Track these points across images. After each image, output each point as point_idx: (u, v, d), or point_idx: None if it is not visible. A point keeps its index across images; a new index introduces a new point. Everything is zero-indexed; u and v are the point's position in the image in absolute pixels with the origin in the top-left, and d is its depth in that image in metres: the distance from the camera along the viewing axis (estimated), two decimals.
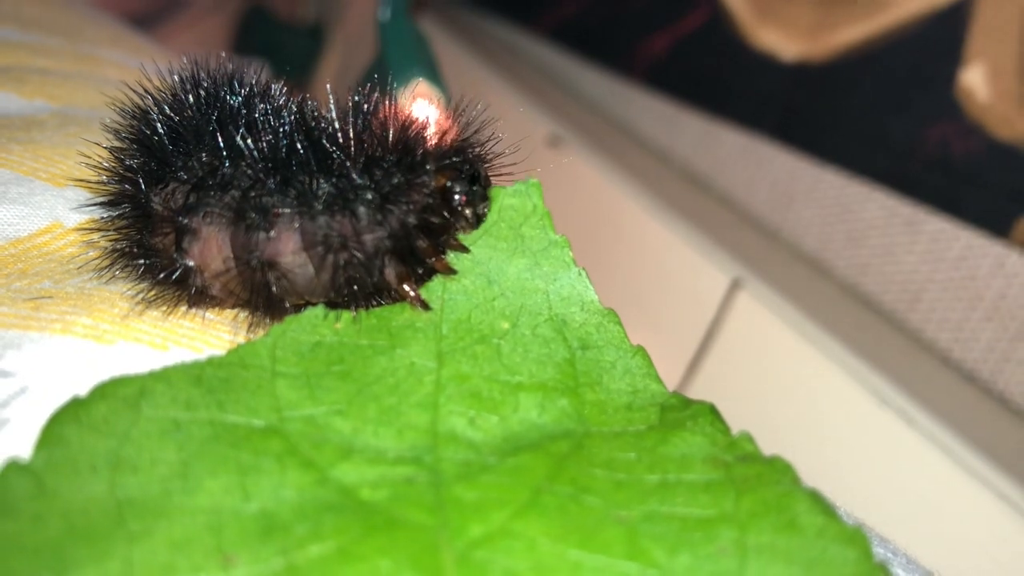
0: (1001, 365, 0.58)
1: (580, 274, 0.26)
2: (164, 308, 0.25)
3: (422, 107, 0.27)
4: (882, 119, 0.67)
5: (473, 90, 0.27)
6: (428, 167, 0.24)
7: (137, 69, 0.42)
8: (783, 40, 0.74)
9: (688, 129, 0.84)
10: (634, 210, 0.74)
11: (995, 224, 0.59)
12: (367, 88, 0.25)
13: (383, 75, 0.28)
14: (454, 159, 0.25)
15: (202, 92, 0.26)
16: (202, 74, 0.27)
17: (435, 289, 0.25)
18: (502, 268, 0.25)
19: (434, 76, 0.60)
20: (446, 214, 0.25)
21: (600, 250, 0.77)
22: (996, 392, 0.58)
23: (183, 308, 0.25)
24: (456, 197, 0.25)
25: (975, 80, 0.61)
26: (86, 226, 0.28)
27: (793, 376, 0.59)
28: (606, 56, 0.95)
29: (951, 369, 0.61)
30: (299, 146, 0.24)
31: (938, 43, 0.63)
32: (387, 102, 0.25)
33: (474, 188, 0.25)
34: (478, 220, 0.26)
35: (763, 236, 0.74)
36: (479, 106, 0.27)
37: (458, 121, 0.26)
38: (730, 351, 0.63)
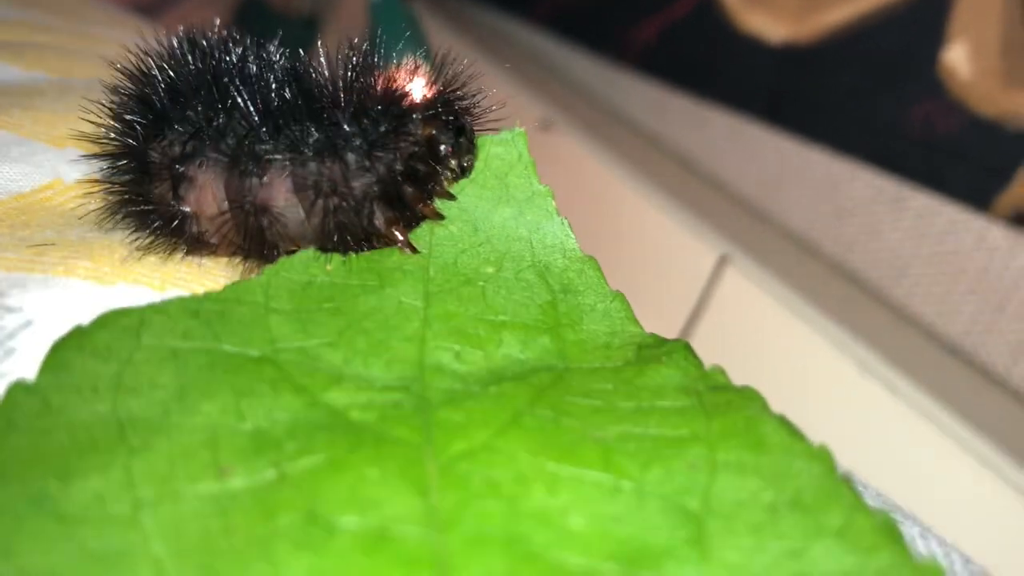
0: (984, 336, 0.59)
1: (562, 223, 0.27)
2: (162, 254, 0.26)
3: (410, 64, 0.28)
4: (868, 99, 0.68)
5: (465, 68, 0.28)
6: (415, 116, 0.25)
7: (135, 45, 0.43)
8: (770, 23, 0.75)
9: (678, 112, 0.85)
10: (624, 191, 0.75)
11: (977, 199, 0.60)
12: (358, 44, 0.26)
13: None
14: (439, 110, 0.26)
15: (198, 50, 0.27)
16: (197, 35, 0.28)
17: (423, 235, 0.26)
18: (488, 216, 0.26)
19: (425, 57, 0.61)
20: (432, 163, 0.26)
21: (592, 230, 0.78)
22: (979, 363, 0.59)
23: (180, 255, 0.26)
24: (442, 148, 0.26)
25: (958, 58, 0.62)
26: (86, 181, 0.29)
27: (780, 349, 0.60)
28: (597, 42, 0.96)
29: (935, 341, 0.62)
30: (290, 96, 0.25)
31: (921, 23, 0.64)
32: (376, 57, 0.26)
33: (460, 140, 0.26)
34: (463, 171, 0.27)
35: (751, 214, 0.75)
36: (464, 61, 0.28)
37: (444, 74, 0.27)
38: (718, 325, 0.64)
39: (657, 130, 0.88)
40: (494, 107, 0.28)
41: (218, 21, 0.30)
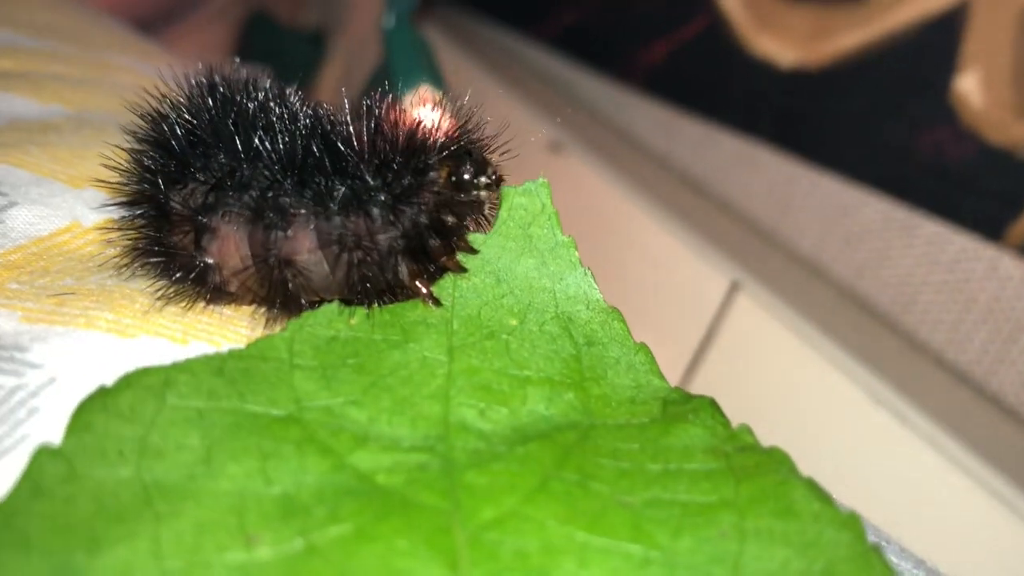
0: (995, 366, 0.59)
1: (586, 274, 0.27)
2: (183, 304, 0.25)
3: (427, 110, 0.28)
4: (878, 125, 0.68)
5: (475, 96, 0.28)
6: (432, 162, 0.25)
7: (148, 74, 0.43)
8: (780, 47, 0.75)
9: (687, 135, 0.85)
10: (634, 214, 0.75)
11: (989, 228, 0.60)
12: (376, 94, 0.26)
13: (388, 81, 0.29)
14: (452, 148, 0.26)
15: (219, 96, 0.27)
16: (218, 79, 0.27)
17: (446, 287, 0.26)
18: (511, 267, 0.26)
19: (438, 82, 0.61)
20: (461, 197, 0.25)
21: (600, 253, 0.78)
22: (990, 393, 0.59)
23: (201, 305, 0.26)
24: (464, 178, 0.25)
25: (970, 86, 0.62)
26: (104, 225, 0.29)
27: (791, 377, 0.60)
28: (606, 63, 0.96)
29: (945, 370, 0.61)
30: (315, 149, 0.25)
31: (933, 50, 0.64)
32: (396, 106, 0.26)
33: (475, 169, 0.26)
34: (489, 195, 0.26)
35: (761, 240, 0.75)
36: (471, 96, 0.27)
37: (455, 114, 0.27)
38: (729, 352, 0.64)
39: (665, 152, 0.88)
40: (510, 150, 0.27)
41: (229, 60, 0.30)
